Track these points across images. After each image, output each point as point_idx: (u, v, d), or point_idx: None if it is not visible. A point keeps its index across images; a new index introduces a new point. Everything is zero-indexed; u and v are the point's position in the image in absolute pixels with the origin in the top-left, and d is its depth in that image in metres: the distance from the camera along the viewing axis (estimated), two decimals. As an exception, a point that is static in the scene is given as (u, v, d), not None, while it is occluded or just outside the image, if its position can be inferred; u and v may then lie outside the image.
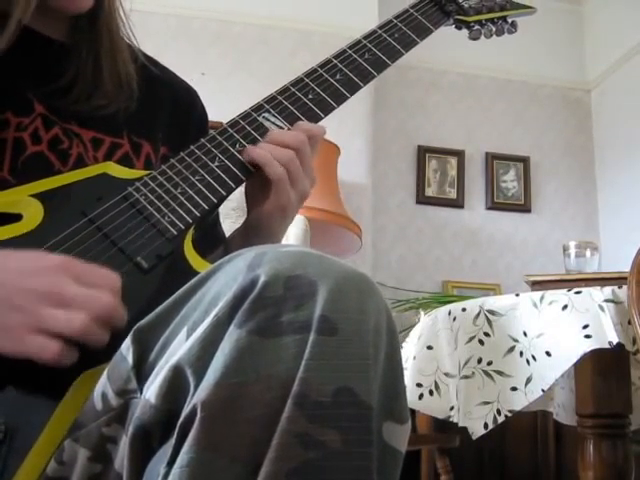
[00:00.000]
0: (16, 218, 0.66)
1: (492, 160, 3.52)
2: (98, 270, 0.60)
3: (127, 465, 0.52)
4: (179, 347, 0.52)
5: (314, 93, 0.82)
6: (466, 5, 0.98)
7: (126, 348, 0.55)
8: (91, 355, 0.58)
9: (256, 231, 0.82)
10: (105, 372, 0.56)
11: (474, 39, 1.01)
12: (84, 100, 0.78)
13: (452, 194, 3.45)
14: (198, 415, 0.47)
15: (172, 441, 0.49)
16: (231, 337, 0.49)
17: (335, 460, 0.47)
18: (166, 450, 0.49)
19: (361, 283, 0.52)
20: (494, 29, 1.02)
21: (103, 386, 0.56)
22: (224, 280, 0.52)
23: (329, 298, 0.49)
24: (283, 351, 0.48)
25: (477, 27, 1.01)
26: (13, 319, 0.56)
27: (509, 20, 1.03)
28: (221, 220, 0.98)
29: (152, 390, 0.51)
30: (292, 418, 0.46)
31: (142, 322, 0.55)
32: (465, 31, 1.02)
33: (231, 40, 3.08)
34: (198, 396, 0.48)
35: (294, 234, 2.34)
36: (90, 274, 0.59)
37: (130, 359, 0.54)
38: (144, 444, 0.52)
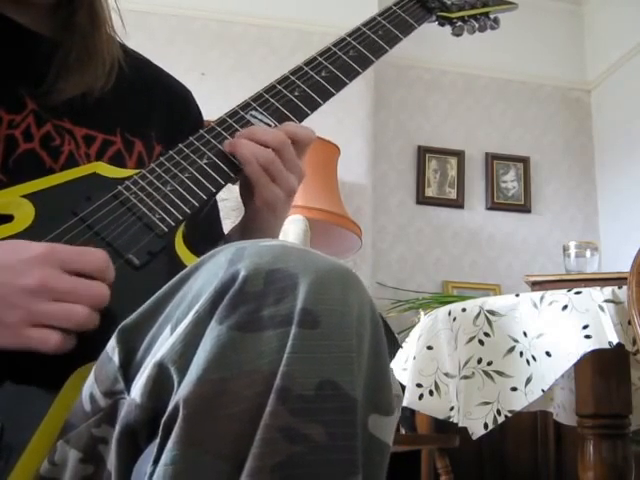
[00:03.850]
0: (7, 219, 0.66)
1: (492, 160, 3.52)
2: (83, 253, 0.61)
3: (115, 465, 0.52)
4: (163, 345, 0.51)
5: (300, 90, 0.82)
6: (448, 2, 0.99)
7: (111, 348, 0.54)
8: (85, 344, 0.58)
9: (250, 228, 0.83)
10: (92, 373, 0.56)
11: (457, 35, 1.02)
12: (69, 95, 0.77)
13: (452, 194, 3.44)
14: (181, 412, 0.46)
15: (158, 440, 0.48)
16: (212, 333, 0.48)
17: (320, 454, 0.46)
18: (153, 449, 0.49)
19: (343, 276, 0.51)
20: (477, 25, 1.03)
21: (90, 387, 0.55)
22: (206, 276, 0.52)
23: (310, 291, 0.48)
24: (265, 345, 0.47)
25: (460, 23, 1.01)
26: (10, 317, 0.56)
27: (491, 16, 1.04)
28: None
29: (137, 389, 0.51)
30: (275, 413, 0.46)
31: (126, 321, 0.55)
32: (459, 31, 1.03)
33: (231, 40, 3.08)
34: (180, 393, 0.47)
35: (294, 234, 2.33)
36: (76, 259, 0.59)
37: (116, 359, 0.54)
38: (131, 444, 0.51)
